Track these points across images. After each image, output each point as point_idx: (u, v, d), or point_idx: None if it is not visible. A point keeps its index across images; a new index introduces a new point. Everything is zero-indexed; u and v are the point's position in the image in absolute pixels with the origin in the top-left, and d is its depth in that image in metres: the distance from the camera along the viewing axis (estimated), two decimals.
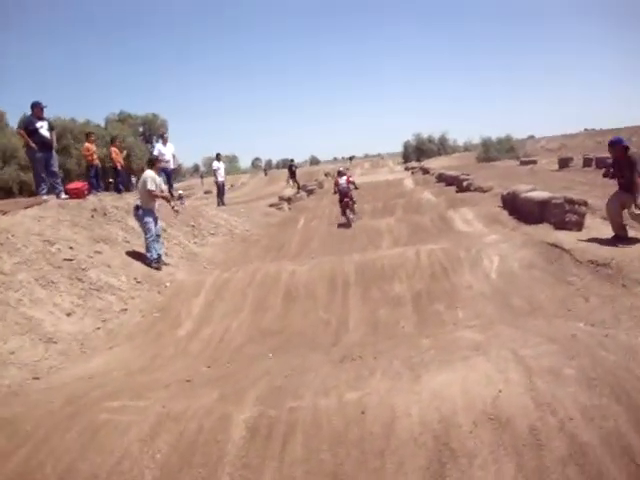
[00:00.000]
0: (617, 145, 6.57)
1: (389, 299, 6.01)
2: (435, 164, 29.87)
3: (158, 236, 8.10)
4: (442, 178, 19.25)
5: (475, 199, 12.70)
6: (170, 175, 12.33)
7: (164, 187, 8.10)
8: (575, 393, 2.98)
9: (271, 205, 14.83)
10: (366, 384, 3.41)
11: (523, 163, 24.14)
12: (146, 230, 7.72)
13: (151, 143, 67.33)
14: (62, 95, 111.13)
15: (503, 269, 6.35)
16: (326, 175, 29.74)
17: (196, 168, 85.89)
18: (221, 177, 15.27)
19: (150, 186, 7.60)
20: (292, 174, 20.82)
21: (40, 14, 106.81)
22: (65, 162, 50.00)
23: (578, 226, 7.44)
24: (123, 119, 64.32)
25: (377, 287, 6.30)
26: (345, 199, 11.01)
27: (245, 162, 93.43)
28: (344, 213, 11.05)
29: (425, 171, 25.88)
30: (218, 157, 15.92)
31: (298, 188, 20.74)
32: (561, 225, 7.54)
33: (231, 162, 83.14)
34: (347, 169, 12.80)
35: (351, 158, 58.61)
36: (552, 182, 16.78)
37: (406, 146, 44.70)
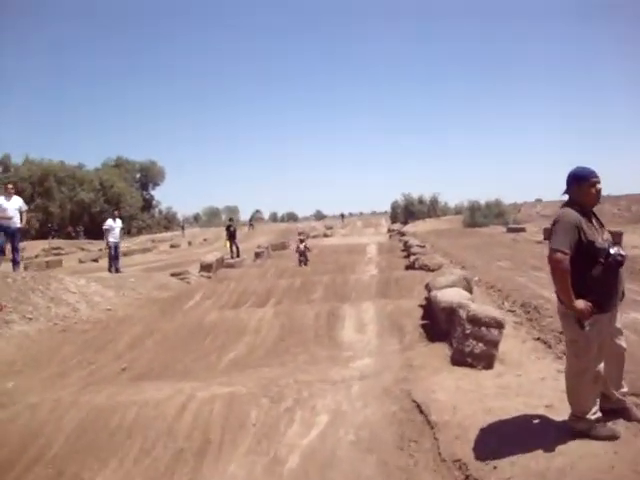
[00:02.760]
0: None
1: None
2: (419, 227, 27.09)
3: None
4: (406, 246, 16.67)
5: (414, 282, 9.88)
6: (15, 235, 9.64)
7: None
8: None
9: (173, 274, 12.02)
10: None
11: (510, 230, 21.34)
12: None
13: (147, 190, 66.62)
14: (62, 138, 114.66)
15: (318, 449, 3.49)
16: (299, 235, 27.07)
17: (196, 218, 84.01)
18: (114, 238, 12.49)
19: None
20: (230, 235, 17.74)
21: (43, 57, 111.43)
22: (48, 205, 48.67)
23: (485, 361, 4.53)
24: (120, 164, 63.73)
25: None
26: (301, 258, 15.25)
27: (247, 214, 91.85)
28: (300, 264, 14.95)
29: (402, 235, 23.27)
30: (114, 215, 13.18)
31: (237, 253, 17.81)
32: (460, 356, 4.66)
33: (232, 212, 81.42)
34: (305, 235, 19.60)
35: (342, 216, 58.69)
36: (525, 257, 13.98)
37: (394, 206, 41.92)
